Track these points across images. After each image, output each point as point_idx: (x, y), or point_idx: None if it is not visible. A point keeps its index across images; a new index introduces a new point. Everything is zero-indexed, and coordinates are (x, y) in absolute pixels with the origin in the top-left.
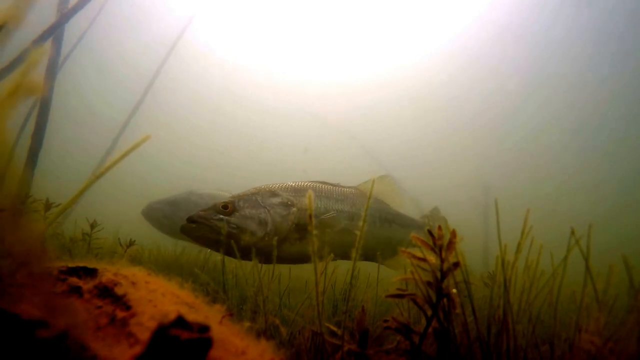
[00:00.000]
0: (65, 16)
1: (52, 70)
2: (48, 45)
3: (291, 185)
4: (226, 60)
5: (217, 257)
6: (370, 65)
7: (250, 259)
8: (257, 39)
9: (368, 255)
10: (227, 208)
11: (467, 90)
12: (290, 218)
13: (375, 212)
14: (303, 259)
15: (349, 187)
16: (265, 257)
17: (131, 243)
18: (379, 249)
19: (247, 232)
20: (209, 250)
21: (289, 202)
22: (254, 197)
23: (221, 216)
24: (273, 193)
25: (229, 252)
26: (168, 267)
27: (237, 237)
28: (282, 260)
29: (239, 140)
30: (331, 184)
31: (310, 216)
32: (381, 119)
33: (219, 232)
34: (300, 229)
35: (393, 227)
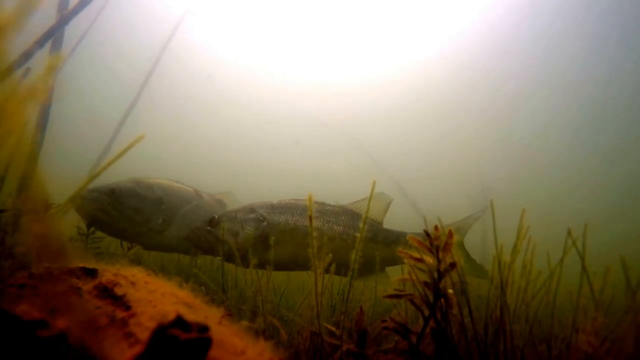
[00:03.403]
0: (65, 18)
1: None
2: (48, 47)
3: (271, 203)
4: (225, 60)
5: (217, 258)
6: (369, 66)
7: (232, 262)
8: (257, 39)
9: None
10: (212, 222)
11: (465, 90)
12: (258, 232)
13: (350, 230)
14: (269, 265)
15: (333, 206)
16: (237, 261)
17: (132, 245)
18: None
19: (222, 241)
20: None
21: (261, 218)
22: (235, 213)
23: (208, 227)
24: (252, 210)
25: (226, 257)
26: (167, 268)
27: (215, 245)
28: (248, 265)
29: (237, 140)
30: (316, 202)
31: (310, 219)
32: (379, 120)
33: (205, 241)
34: (266, 241)
35: (370, 246)
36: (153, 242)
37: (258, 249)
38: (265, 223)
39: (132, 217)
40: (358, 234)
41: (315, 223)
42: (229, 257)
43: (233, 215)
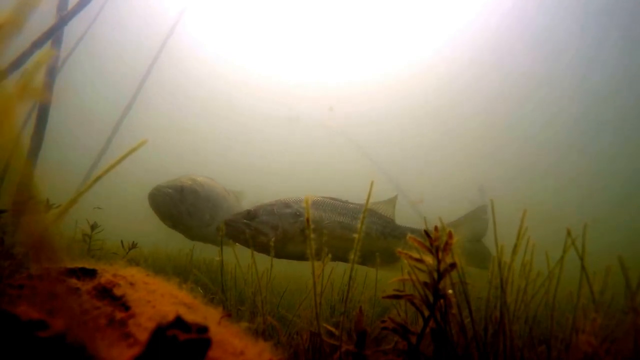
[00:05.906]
0: (64, 18)
1: (52, 72)
2: (47, 47)
3: (302, 199)
4: (223, 60)
5: (216, 258)
6: (367, 68)
7: (266, 254)
8: (255, 40)
9: (363, 261)
10: (250, 214)
11: (463, 91)
12: (297, 225)
13: (372, 225)
14: (305, 257)
15: (354, 204)
16: (275, 253)
17: (133, 246)
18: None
19: (261, 233)
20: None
21: (298, 213)
22: (271, 207)
23: (245, 220)
24: (287, 205)
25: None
26: (167, 268)
27: (254, 237)
28: (288, 256)
29: (236, 141)
30: (340, 200)
31: (308, 221)
32: (378, 121)
33: (242, 233)
34: (304, 234)
35: (388, 240)
36: (199, 234)
37: (296, 241)
38: (302, 218)
39: (193, 213)
40: (381, 229)
41: (343, 219)
42: (265, 249)
43: (270, 209)
